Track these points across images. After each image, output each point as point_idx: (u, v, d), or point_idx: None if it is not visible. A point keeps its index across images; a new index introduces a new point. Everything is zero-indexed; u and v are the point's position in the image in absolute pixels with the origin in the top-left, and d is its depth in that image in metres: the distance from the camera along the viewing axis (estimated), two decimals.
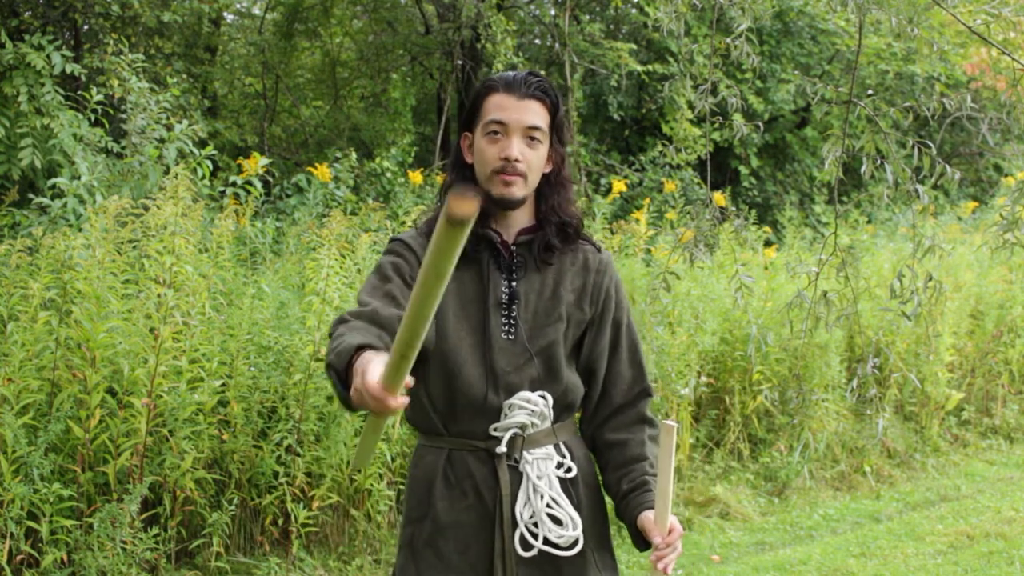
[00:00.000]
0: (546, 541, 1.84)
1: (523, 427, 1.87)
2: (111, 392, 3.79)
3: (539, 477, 1.87)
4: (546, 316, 1.91)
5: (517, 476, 1.87)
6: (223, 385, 3.99)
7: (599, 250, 2.01)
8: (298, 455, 4.07)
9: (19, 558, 3.45)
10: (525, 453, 1.87)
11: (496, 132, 1.86)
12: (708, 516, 5.06)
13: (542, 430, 1.90)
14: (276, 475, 4.06)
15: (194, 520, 3.93)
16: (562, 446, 1.93)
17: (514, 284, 1.91)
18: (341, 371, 1.58)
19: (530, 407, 1.87)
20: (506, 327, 1.88)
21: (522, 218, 1.94)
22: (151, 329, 3.78)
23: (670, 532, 1.80)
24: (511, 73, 1.90)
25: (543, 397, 1.89)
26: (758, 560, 4.57)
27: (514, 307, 1.89)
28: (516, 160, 1.84)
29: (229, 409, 4.01)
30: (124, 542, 3.56)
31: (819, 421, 5.75)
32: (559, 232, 1.93)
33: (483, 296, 1.89)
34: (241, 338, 4.11)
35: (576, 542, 1.86)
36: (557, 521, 1.86)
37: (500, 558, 1.85)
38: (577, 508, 1.90)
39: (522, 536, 1.85)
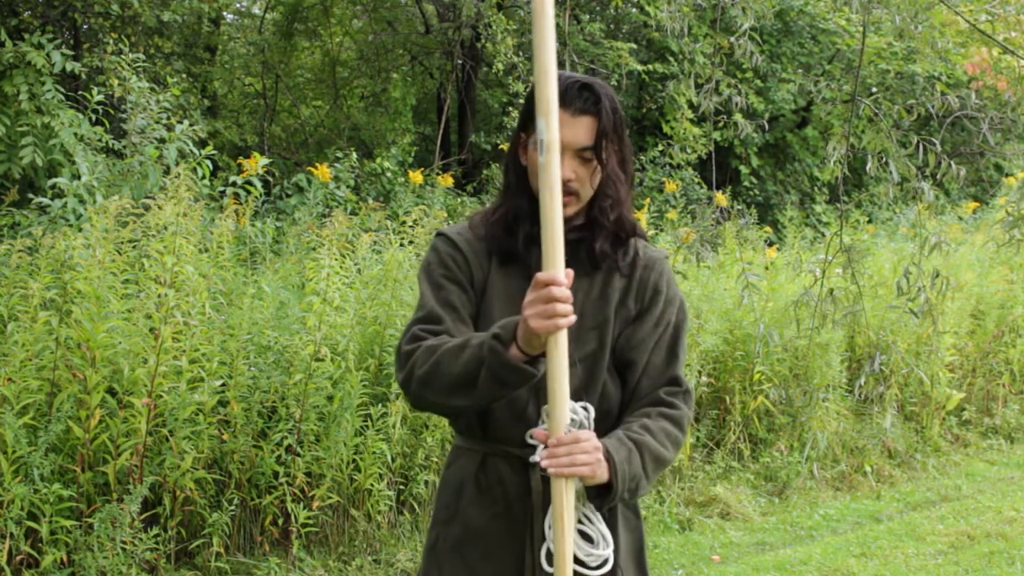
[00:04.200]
0: (577, 559, 1.72)
1: None
2: (111, 392, 3.79)
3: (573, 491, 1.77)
4: (592, 318, 1.84)
5: (547, 486, 1.75)
6: (223, 385, 3.98)
7: (647, 246, 1.94)
8: (298, 455, 4.07)
9: (19, 558, 3.45)
10: None
11: None
12: (708, 516, 5.05)
13: None
14: (276, 475, 4.05)
15: (194, 520, 3.92)
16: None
17: None
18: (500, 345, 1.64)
19: (571, 415, 1.76)
20: None
21: (574, 216, 1.86)
22: (151, 329, 3.78)
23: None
24: (566, 80, 1.80)
25: (584, 408, 1.79)
26: (758, 560, 4.56)
27: None
28: (568, 181, 1.78)
29: (229, 409, 4.01)
30: (124, 542, 3.56)
31: (820, 421, 5.75)
32: (611, 237, 1.87)
33: None
34: (241, 338, 4.10)
35: (605, 562, 1.76)
36: (588, 538, 1.77)
37: (530, 571, 1.78)
38: (611, 527, 1.81)
39: (548, 551, 1.75)
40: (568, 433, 1.66)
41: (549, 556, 1.75)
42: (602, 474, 1.69)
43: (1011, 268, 7.53)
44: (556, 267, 1.65)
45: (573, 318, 1.63)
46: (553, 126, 1.65)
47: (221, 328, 4.13)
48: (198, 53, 9.86)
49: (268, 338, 4.22)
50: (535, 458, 1.72)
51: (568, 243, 1.80)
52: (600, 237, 1.86)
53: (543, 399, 1.75)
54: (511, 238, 1.86)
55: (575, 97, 1.79)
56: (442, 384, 1.73)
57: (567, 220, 1.81)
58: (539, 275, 1.63)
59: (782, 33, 11.35)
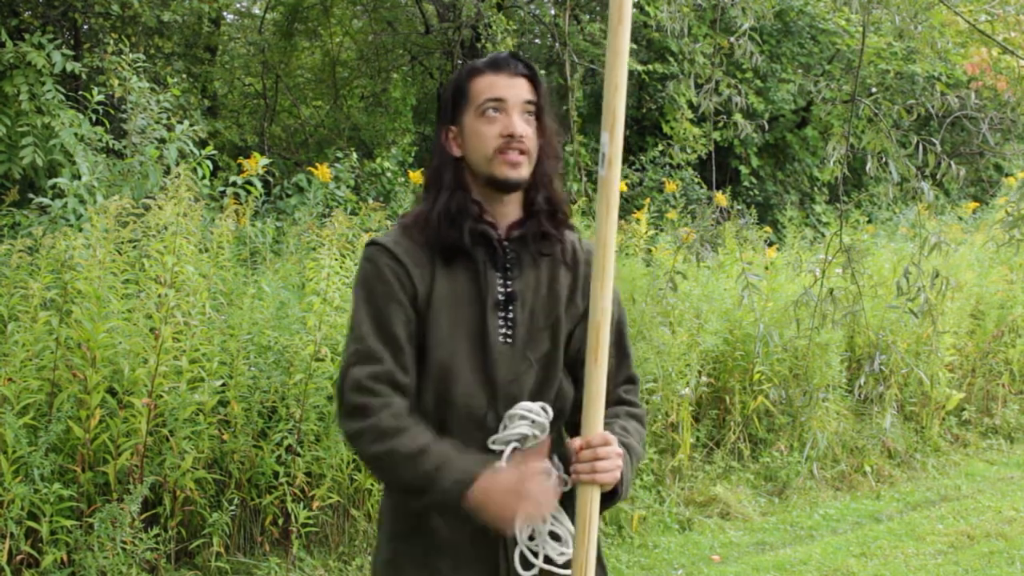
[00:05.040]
0: (546, 559, 1.76)
1: (523, 439, 1.78)
2: (111, 392, 3.79)
3: None
4: (544, 317, 1.83)
5: None
6: (223, 385, 3.98)
7: (580, 239, 1.93)
8: (298, 455, 4.07)
9: (19, 558, 3.45)
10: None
11: (495, 110, 1.78)
12: (708, 516, 5.05)
13: (539, 443, 1.80)
14: (276, 475, 4.05)
15: (194, 520, 3.92)
16: (556, 458, 1.83)
17: (510, 283, 1.81)
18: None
19: (532, 417, 1.77)
20: (504, 331, 1.79)
21: (513, 210, 1.84)
22: (151, 329, 3.78)
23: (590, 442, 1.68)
24: (492, 55, 1.84)
25: (544, 409, 1.79)
26: (758, 560, 4.57)
27: (511, 309, 1.79)
28: (521, 136, 1.77)
29: (229, 409, 4.01)
30: (124, 542, 3.56)
31: (820, 421, 5.75)
32: (550, 218, 1.84)
33: (479, 298, 1.79)
34: (241, 338, 4.10)
35: None
36: (556, 537, 1.78)
37: None
38: (574, 523, 1.81)
39: (522, 554, 1.76)
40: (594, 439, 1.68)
41: (524, 560, 1.76)
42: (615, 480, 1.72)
43: (1011, 268, 7.53)
44: (607, 276, 1.66)
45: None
46: (617, 140, 1.65)
47: (221, 328, 4.13)
48: (198, 53, 9.86)
49: (268, 338, 4.23)
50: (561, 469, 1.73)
51: (513, 241, 1.82)
52: (544, 221, 1.84)
53: (503, 407, 1.77)
54: (457, 233, 1.78)
55: (508, 62, 1.81)
56: (388, 476, 1.76)
57: (511, 225, 1.83)
58: (532, 469, 1.66)
59: (782, 33, 11.35)
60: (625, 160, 10.41)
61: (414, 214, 1.85)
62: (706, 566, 4.50)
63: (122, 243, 4.05)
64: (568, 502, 1.82)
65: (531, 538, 1.77)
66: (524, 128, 1.78)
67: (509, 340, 1.79)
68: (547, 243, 1.84)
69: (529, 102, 1.80)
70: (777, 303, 6.02)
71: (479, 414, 1.77)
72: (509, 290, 1.81)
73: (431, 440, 1.70)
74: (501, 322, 1.79)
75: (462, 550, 1.78)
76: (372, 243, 1.84)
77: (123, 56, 5.70)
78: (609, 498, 1.75)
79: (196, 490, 3.84)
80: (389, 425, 1.70)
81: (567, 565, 1.76)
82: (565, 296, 1.85)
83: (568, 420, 1.91)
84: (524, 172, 1.79)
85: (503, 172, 1.78)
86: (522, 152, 1.78)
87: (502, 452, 1.76)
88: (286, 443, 4.05)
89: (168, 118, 5.59)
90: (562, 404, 1.85)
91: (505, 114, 1.78)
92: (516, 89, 1.79)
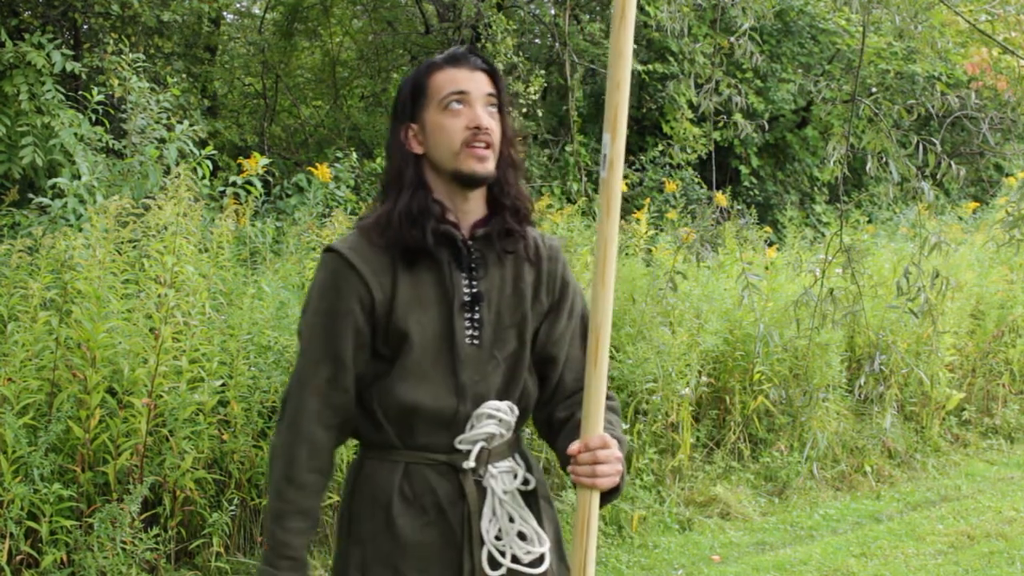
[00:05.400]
0: (514, 558, 1.77)
1: (490, 438, 1.78)
2: (111, 392, 3.79)
3: (504, 491, 1.78)
4: (510, 316, 1.81)
5: (481, 491, 1.78)
6: (223, 385, 3.98)
7: (542, 235, 1.91)
8: None
9: (19, 558, 3.45)
10: (490, 467, 1.78)
11: (458, 103, 1.75)
12: (708, 516, 5.05)
13: (504, 441, 1.81)
14: None
15: (194, 520, 3.92)
16: (518, 457, 1.85)
17: (476, 284, 1.78)
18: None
19: (499, 416, 1.77)
20: (470, 332, 1.77)
21: (477, 207, 1.81)
22: (151, 329, 3.78)
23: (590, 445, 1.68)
24: (449, 51, 1.80)
25: (511, 408, 1.80)
26: (758, 560, 4.57)
27: (477, 309, 1.78)
28: (487, 128, 1.74)
29: (229, 409, 4.01)
30: (124, 542, 3.56)
31: (820, 421, 5.75)
32: (514, 215, 1.81)
33: (445, 299, 1.76)
34: (241, 338, 4.10)
35: (542, 558, 1.78)
36: (523, 537, 1.78)
37: None
38: (539, 522, 1.82)
39: (490, 554, 1.76)
40: (588, 441, 1.67)
41: (491, 560, 1.76)
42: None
43: (1011, 268, 7.53)
44: (608, 278, 1.66)
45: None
46: (619, 141, 1.63)
47: (221, 328, 4.13)
48: (198, 53, 9.86)
49: (268, 338, 4.22)
50: (468, 470, 1.76)
51: (477, 240, 1.80)
52: (509, 217, 1.81)
53: (471, 407, 1.77)
54: (419, 234, 1.74)
55: (467, 57, 1.79)
56: (270, 473, 1.83)
57: (475, 223, 1.81)
58: None
59: (782, 33, 11.35)
60: (625, 160, 10.39)
61: (374, 216, 1.79)
62: (706, 566, 4.50)
63: (122, 243, 4.05)
64: (531, 501, 1.84)
65: (498, 538, 1.77)
66: (489, 121, 1.76)
67: (476, 341, 1.78)
68: (511, 240, 1.81)
69: (491, 95, 1.78)
70: (777, 303, 6.02)
71: (447, 415, 1.76)
72: (475, 290, 1.78)
73: (311, 511, 1.79)
74: (468, 323, 1.77)
75: (428, 551, 1.77)
76: (329, 249, 1.79)
77: (123, 56, 5.70)
78: (606, 497, 1.74)
79: (196, 490, 3.84)
80: (290, 496, 1.77)
81: (534, 564, 1.77)
82: (530, 295, 1.84)
83: (536, 416, 1.91)
84: (490, 166, 1.76)
85: (470, 166, 1.74)
86: (487, 145, 1.75)
87: (469, 451, 1.77)
88: None
89: (168, 118, 5.58)
90: (526, 403, 1.85)
91: (469, 107, 1.75)
92: (478, 83, 1.77)
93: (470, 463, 1.76)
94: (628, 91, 1.64)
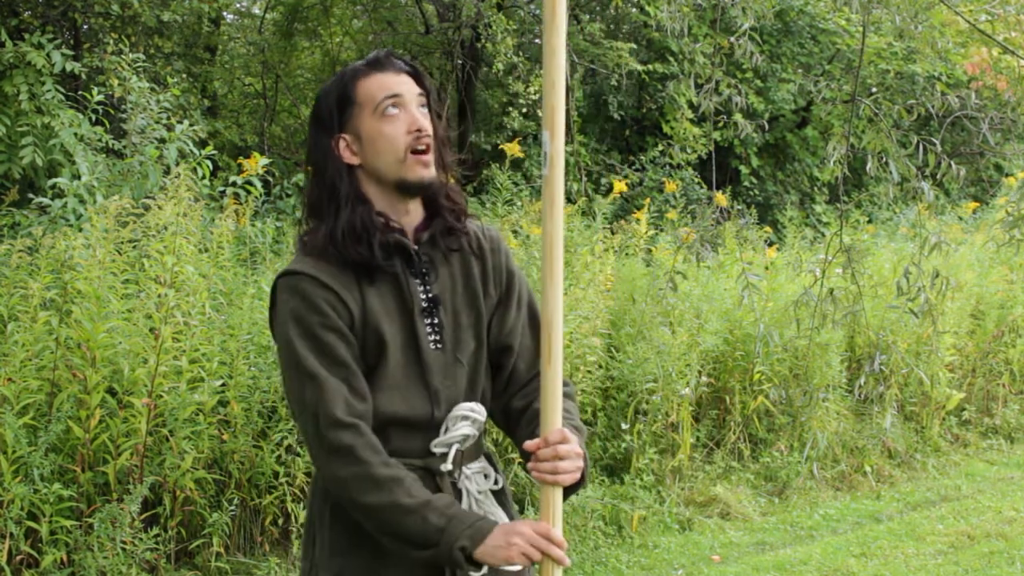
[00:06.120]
0: None
1: (464, 440, 1.78)
2: (111, 392, 3.79)
3: (479, 491, 1.79)
4: (466, 316, 1.81)
5: (456, 493, 1.78)
6: (223, 385, 3.98)
7: (482, 225, 1.90)
8: (298, 455, 4.07)
9: (19, 558, 3.45)
10: (464, 468, 1.79)
11: (394, 107, 1.72)
12: (708, 516, 5.05)
13: (475, 442, 1.81)
14: (276, 475, 4.05)
15: (194, 520, 3.92)
16: (484, 457, 1.85)
17: (430, 288, 1.78)
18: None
19: (473, 416, 1.78)
20: (432, 337, 1.77)
21: (416, 212, 1.79)
22: (151, 329, 3.78)
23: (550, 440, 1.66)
24: (368, 56, 1.77)
25: (480, 408, 1.80)
26: (758, 560, 4.57)
27: (436, 313, 1.77)
28: (427, 130, 1.72)
29: (229, 409, 4.01)
30: (124, 542, 3.56)
31: (820, 421, 5.75)
32: (452, 213, 1.80)
33: (406, 308, 1.75)
34: (241, 338, 4.11)
35: None
36: None
37: None
38: (510, 520, 1.81)
39: None
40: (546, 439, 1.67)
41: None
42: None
43: (1011, 268, 7.53)
44: (556, 276, 1.64)
45: (567, 561, 1.68)
46: (558, 139, 1.62)
47: (221, 328, 4.13)
48: (198, 53, 9.86)
49: (268, 338, 4.22)
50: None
51: (423, 244, 1.78)
52: (448, 216, 1.80)
53: (444, 411, 1.76)
54: (365, 249, 1.71)
55: (390, 60, 1.77)
56: (385, 528, 1.67)
57: (417, 228, 1.79)
58: (541, 528, 1.65)
59: (782, 33, 11.35)
60: (625, 160, 10.42)
61: (321, 236, 1.73)
62: (706, 566, 4.50)
63: (122, 243, 4.05)
64: (502, 500, 1.85)
65: None
66: (425, 122, 1.74)
67: (439, 346, 1.77)
68: (454, 238, 1.80)
69: (421, 95, 1.76)
70: (777, 303, 6.02)
71: (423, 421, 1.76)
72: (431, 295, 1.78)
73: (429, 492, 1.68)
74: (429, 329, 1.77)
75: (408, 559, 1.72)
76: (291, 273, 1.72)
77: (123, 56, 5.70)
78: (569, 490, 1.73)
79: (196, 490, 3.84)
80: (384, 475, 1.65)
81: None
82: (481, 291, 1.84)
83: (492, 408, 1.90)
84: (434, 171, 1.74)
85: (416, 173, 1.73)
86: (428, 149, 1.73)
87: (445, 455, 1.77)
88: (286, 443, 4.05)
89: (168, 118, 5.58)
90: (486, 400, 1.86)
91: (404, 110, 1.73)
92: (407, 84, 1.75)
93: (447, 465, 1.75)
94: (564, 89, 1.62)
